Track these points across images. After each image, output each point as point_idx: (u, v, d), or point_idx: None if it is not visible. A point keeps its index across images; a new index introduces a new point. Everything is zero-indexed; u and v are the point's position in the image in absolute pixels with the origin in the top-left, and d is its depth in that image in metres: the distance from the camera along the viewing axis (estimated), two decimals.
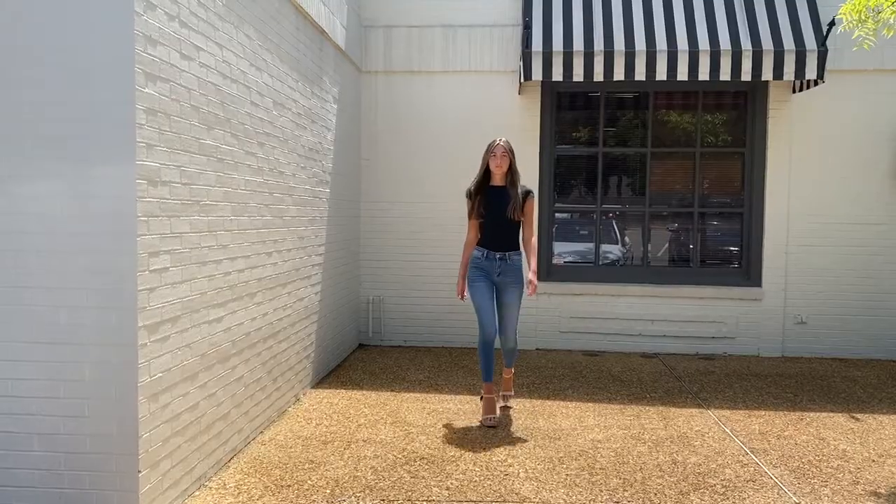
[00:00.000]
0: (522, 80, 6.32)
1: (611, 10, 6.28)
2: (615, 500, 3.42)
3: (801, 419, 4.75)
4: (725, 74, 6.02)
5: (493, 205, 4.52)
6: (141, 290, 2.88)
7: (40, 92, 2.84)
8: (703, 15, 6.20)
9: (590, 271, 7.07)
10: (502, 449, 4.08)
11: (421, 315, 7.02)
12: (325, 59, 5.62)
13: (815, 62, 5.97)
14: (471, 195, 4.60)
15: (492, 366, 4.59)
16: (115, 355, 2.87)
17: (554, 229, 7.11)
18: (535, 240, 4.63)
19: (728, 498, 3.45)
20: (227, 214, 3.73)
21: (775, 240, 6.76)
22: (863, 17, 4.06)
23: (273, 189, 4.46)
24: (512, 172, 4.53)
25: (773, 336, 6.77)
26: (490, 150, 4.54)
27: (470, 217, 4.63)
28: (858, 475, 3.77)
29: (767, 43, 6.02)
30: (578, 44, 6.11)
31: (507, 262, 4.52)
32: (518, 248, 4.59)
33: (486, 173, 4.57)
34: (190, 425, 3.34)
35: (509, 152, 4.52)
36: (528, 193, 4.56)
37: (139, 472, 2.90)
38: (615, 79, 6.10)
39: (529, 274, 4.49)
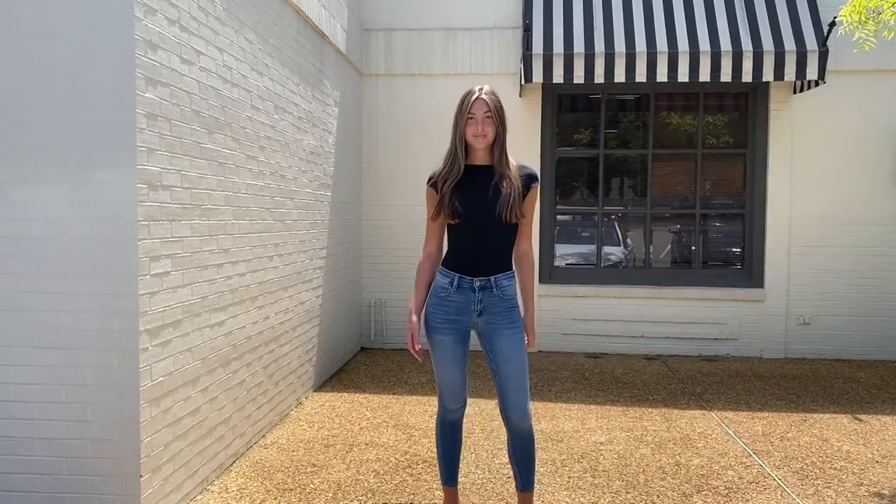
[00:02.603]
0: (523, 82, 6.33)
1: (611, 12, 6.28)
2: (618, 502, 3.41)
3: (805, 420, 4.74)
4: (726, 75, 6.02)
5: (472, 197, 2.76)
6: (142, 294, 2.89)
7: (41, 97, 2.84)
8: (704, 16, 6.19)
9: (592, 273, 7.06)
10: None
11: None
12: (325, 63, 5.63)
13: (816, 63, 5.96)
14: (435, 183, 2.83)
15: (457, 457, 2.97)
16: (116, 359, 2.88)
17: (556, 231, 7.11)
18: (532, 254, 2.92)
19: (731, 500, 3.44)
20: (228, 218, 3.73)
21: (777, 241, 6.74)
22: (863, 19, 4.06)
23: (274, 193, 4.46)
24: (501, 142, 2.74)
25: (775, 337, 6.75)
26: (465, 108, 2.70)
27: (433, 218, 2.88)
28: (862, 476, 3.76)
29: (768, 44, 6.02)
30: (579, 45, 6.11)
31: (492, 291, 2.82)
32: (510, 268, 2.87)
33: (463, 148, 2.77)
34: (192, 429, 3.34)
35: (495, 111, 2.70)
36: (531, 180, 2.81)
37: (141, 476, 2.91)
38: (616, 80, 6.10)
39: (524, 317, 2.89)
